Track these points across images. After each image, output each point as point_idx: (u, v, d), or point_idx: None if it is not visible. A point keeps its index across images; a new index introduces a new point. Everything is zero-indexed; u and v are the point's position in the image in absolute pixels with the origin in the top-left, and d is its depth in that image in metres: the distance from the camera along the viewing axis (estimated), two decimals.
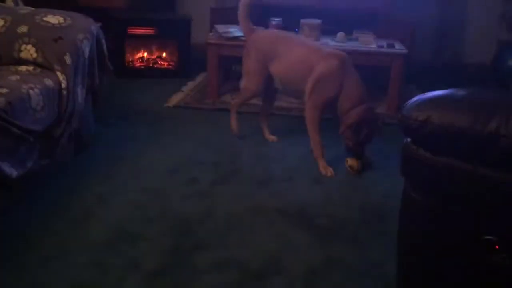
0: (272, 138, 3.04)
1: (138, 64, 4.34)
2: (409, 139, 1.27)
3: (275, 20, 3.68)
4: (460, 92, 1.22)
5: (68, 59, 2.32)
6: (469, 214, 1.20)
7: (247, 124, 3.16)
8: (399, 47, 3.60)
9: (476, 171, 1.15)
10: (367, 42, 3.62)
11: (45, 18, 2.41)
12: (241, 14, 2.94)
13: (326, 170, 2.62)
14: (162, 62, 4.39)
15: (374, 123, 2.64)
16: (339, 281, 1.79)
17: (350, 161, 2.65)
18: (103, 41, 2.63)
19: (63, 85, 2.28)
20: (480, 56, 5.03)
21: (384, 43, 3.64)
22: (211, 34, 3.77)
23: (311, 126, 2.67)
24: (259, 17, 4.05)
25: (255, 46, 2.87)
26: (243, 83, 2.97)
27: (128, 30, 4.14)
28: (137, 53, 4.34)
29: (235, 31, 3.64)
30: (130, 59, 4.31)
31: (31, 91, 2.07)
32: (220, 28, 3.72)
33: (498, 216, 1.16)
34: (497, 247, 1.16)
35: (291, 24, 3.84)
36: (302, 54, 2.74)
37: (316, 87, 2.64)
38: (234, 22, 3.88)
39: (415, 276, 1.38)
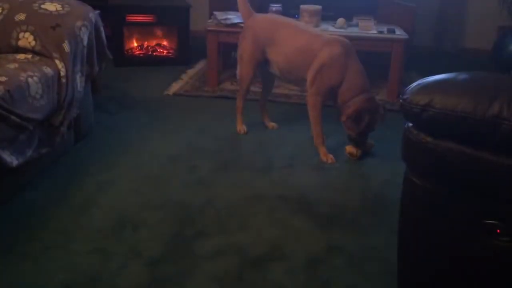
0: (272, 125, 3.03)
1: (137, 52, 4.31)
2: (410, 124, 1.27)
3: (275, 6, 3.66)
4: (462, 76, 1.21)
5: (66, 46, 2.31)
6: (470, 199, 1.20)
7: (247, 111, 3.15)
8: (399, 33, 3.57)
9: (477, 155, 1.15)
10: (367, 28, 3.59)
11: (43, 6, 2.39)
12: None
13: (327, 157, 2.62)
14: (161, 50, 4.37)
15: (375, 112, 2.60)
16: (340, 267, 1.80)
17: (349, 148, 2.65)
18: (102, 28, 2.61)
19: (62, 73, 2.27)
20: (481, 42, 5.01)
21: (384, 28, 3.61)
22: (210, 21, 3.74)
23: (313, 113, 2.66)
24: (259, 2, 4.02)
25: (252, 30, 2.82)
26: (238, 70, 2.92)
27: (127, 18, 4.11)
28: (136, 41, 4.32)
29: (234, 17, 3.62)
30: (129, 47, 4.28)
31: (30, 79, 2.05)
32: (219, 15, 3.69)
33: (500, 200, 1.15)
34: (498, 231, 1.16)
35: (291, 10, 3.81)
36: (303, 41, 2.68)
37: (319, 74, 2.60)
38: (233, 9, 3.85)
39: (416, 261, 1.39)
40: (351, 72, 2.59)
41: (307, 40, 2.68)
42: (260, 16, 2.94)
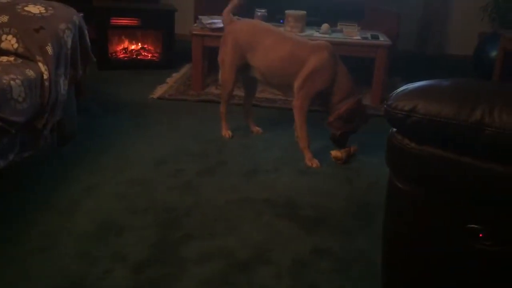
0: (257, 129, 3.04)
1: (122, 55, 4.29)
2: (394, 129, 1.29)
3: (260, 11, 3.68)
4: (445, 82, 1.23)
5: (50, 49, 2.28)
6: (453, 203, 1.22)
7: (232, 115, 3.15)
8: (383, 39, 3.62)
9: (460, 160, 1.17)
10: (351, 34, 3.63)
11: (26, 8, 2.36)
12: (229, 5, 2.91)
13: (312, 162, 2.64)
14: (145, 54, 4.35)
15: (363, 113, 2.68)
16: (326, 270, 1.81)
17: (334, 153, 2.68)
18: (86, 31, 2.59)
19: (45, 76, 2.24)
20: (462, 48, 5.10)
21: (368, 34, 3.66)
22: (195, 25, 3.75)
23: (300, 116, 2.67)
24: (244, 7, 4.03)
25: (232, 36, 2.81)
26: (220, 75, 2.93)
27: (111, 21, 4.09)
28: (120, 44, 4.30)
29: (219, 22, 3.62)
30: (113, 50, 4.26)
31: (12, 82, 2.03)
32: (205, 19, 3.69)
33: (482, 205, 1.18)
34: (480, 235, 1.18)
35: (276, 15, 3.84)
36: (287, 49, 2.68)
37: (310, 80, 2.62)
38: (219, 13, 3.86)
39: (400, 264, 1.40)
40: (340, 75, 2.64)
41: (291, 48, 2.68)
42: (241, 21, 2.95)
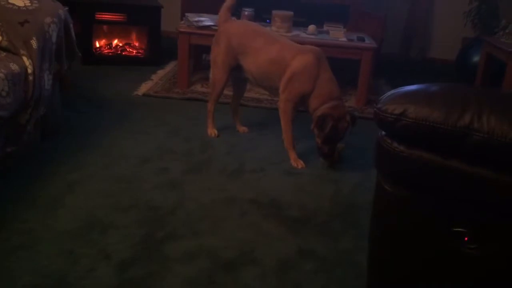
0: (243, 129, 3.03)
1: (106, 51, 4.25)
2: (383, 133, 1.30)
3: (247, 10, 3.67)
4: (435, 87, 1.25)
5: (34, 43, 2.25)
6: (440, 207, 1.24)
7: (219, 114, 3.14)
8: (368, 41, 3.65)
9: (448, 164, 1.18)
10: (337, 36, 3.65)
11: (10, 1, 2.32)
12: (225, 4, 2.89)
13: (297, 163, 2.64)
14: (130, 50, 4.32)
15: (341, 119, 2.55)
16: (311, 271, 1.81)
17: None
18: (71, 25, 2.56)
19: (29, 70, 2.21)
20: (446, 52, 5.17)
21: (354, 36, 3.68)
22: (182, 22, 3.73)
23: (284, 118, 2.67)
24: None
25: (225, 37, 2.80)
26: (211, 74, 2.90)
27: (96, 15, 4.04)
28: (105, 40, 4.25)
29: (207, 20, 3.62)
30: (98, 46, 4.21)
31: None
32: (191, 16, 3.68)
33: (468, 209, 1.19)
34: (466, 238, 1.20)
35: (263, 14, 3.84)
36: (275, 51, 2.67)
37: (291, 81, 2.61)
38: (206, 11, 3.85)
39: (386, 266, 1.42)
40: (322, 81, 2.60)
41: (279, 51, 2.67)
42: (235, 22, 2.94)
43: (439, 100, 1.19)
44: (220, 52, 2.80)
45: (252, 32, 2.80)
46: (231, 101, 3.08)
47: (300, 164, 2.64)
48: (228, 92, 3.18)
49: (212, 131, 2.93)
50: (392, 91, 1.29)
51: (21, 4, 2.33)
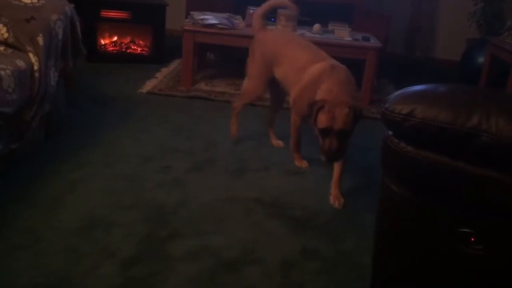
0: (278, 143, 2.86)
1: (111, 48, 4.25)
2: (390, 132, 1.29)
3: (252, 9, 3.66)
4: (443, 87, 1.24)
5: (40, 40, 2.25)
6: (447, 207, 1.23)
7: (221, 112, 3.14)
8: (373, 41, 3.64)
9: (455, 165, 1.18)
10: (342, 35, 3.64)
11: None
12: (261, 9, 2.78)
13: (301, 163, 2.63)
14: (135, 47, 4.32)
15: (341, 106, 2.12)
16: (314, 271, 1.81)
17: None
18: (77, 23, 2.56)
19: (35, 67, 2.21)
20: (450, 53, 5.16)
21: (359, 36, 3.67)
22: (186, 20, 3.72)
23: (292, 127, 2.55)
24: (237, 5, 4.03)
25: (259, 47, 2.66)
26: (245, 84, 2.75)
27: (101, 13, 4.04)
28: (109, 37, 4.26)
29: (211, 18, 3.61)
30: (103, 43, 4.21)
31: (2, 72, 1.99)
32: (196, 14, 3.67)
33: (475, 210, 1.19)
34: (472, 239, 1.19)
35: (268, 13, 3.83)
36: (303, 61, 2.45)
37: (301, 94, 2.38)
38: (210, 9, 3.85)
39: (391, 266, 1.41)
40: (326, 86, 2.25)
41: (305, 60, 2.45)
42: (268, 32, 2.78)
43: (447, 101, 1.18)
44: (255, 63, 2.67)
45: (283, 41, 2.65)
46: (268, 111, 2.90)
47: (304, 164, 2.63)
48: (229, 90, 3.17)
49: (234, 130, 2.82)
50: (400, 91, 1.28)
51: (27, 1, 2.33)
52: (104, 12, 4.05)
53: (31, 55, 2.20)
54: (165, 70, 4.05)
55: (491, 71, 4.01)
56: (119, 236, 1.89)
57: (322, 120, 2.13)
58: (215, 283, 1.70)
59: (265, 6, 2.79)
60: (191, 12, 3.74)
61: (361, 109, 2.18)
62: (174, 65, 4.22)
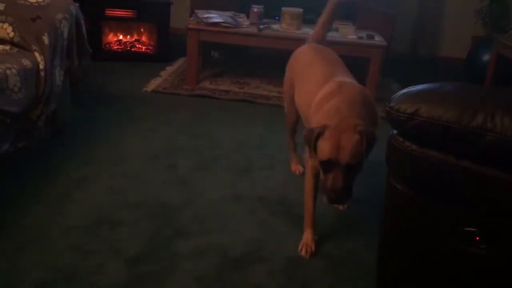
0: (298, 169, 2.52)
1: (115, 47, 4.26)
2: (395, 131, 1.29)
3: (256, 7, 3.66)
4: (448, 86, 1.24)
5: (46, 39, 2.26)
6: (451, 206, 1.23)
7: (227, 111, 3.15)
8: (378, 39, 3.63)
9: (460, 164, 1.18)
10: (347, 33, 3.64)
11: None
12: (325, 12, 2.46)
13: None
14: (140, 46, 4.32)
15: (348, 131, 1.62)
16: (319, 269, 1.81)
17: None
18: (82, 22, 2.57)
19: (41, 66, 2.22)
20: (455, 51, 5.14)
21: (364, 34, 3.67)
22: (191, 19, 3.73)
23: (306, 187, 2.00)
24: (241, 3, 4.03)
25: (290, 63, 2.31)
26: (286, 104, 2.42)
27: (106, 12, 4.05)
28: (114, 36, 4.26)
29: (216, 16, 3.61)
30: (107, 42, 4.22)
31: (8, 71, 2.00)
32: (201, 13, 3.68)
33: (479, 209, 1.19)
34: (477, 238, 1.19)
35: (272, 11, 3.83)
36: (311, 84, 2.01)
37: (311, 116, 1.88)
38: (214, 7, 3.85)
39: (396, 264, 1.41)
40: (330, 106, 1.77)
41: (316, 81, 1.97)
42: (301, 47, 2.35)
43: (452, 100, 1.18)
44: (285, 81, 2.35)
45: (305, 60, 2.19)
46: (290, 133, 2.52)
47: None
48: (236, 89, 3.18)
49: (296, 168, 2.52)
50: (405, 90, 1.28)
51: (33, 0, 2.34)
52: (109, 10, 4.05)
53: (36, 54, 2.21)
54: (169, 69, 4.05)
55: (497, 69, 3.98)
56: (125, 234, 1.91)
57: (324, 149, 1.62)
58: (221, 281, 1.71)
59: (330, 6, 2.38)
60: (196, 11, 3.75)
61: (375, 136, 1.64)
62: (179, 63, 4.22)
